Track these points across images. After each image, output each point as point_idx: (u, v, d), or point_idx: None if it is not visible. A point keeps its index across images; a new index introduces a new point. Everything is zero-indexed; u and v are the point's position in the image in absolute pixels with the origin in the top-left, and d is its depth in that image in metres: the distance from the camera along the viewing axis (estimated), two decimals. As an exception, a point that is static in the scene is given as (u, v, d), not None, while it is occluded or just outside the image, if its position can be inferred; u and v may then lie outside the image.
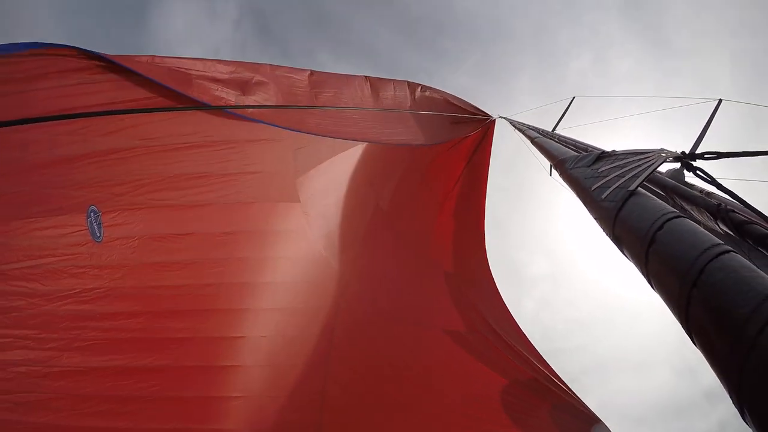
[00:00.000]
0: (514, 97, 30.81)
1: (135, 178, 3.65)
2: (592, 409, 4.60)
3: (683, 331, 1.62)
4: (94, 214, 3.47)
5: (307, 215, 4.72)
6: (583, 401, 4.85)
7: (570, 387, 4.96)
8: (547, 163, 5.67)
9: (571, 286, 29.97)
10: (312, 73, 4.66)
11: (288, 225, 4.63)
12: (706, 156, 2.64)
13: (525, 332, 5.55)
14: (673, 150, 2.92)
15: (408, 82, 5.65)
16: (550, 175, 5.75)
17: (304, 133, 4.38)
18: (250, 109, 4.01)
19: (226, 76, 3.99)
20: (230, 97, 4.00)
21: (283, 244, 4.63)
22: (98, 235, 3.49)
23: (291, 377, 4.57)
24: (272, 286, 4.53)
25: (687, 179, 3.84)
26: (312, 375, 4.63)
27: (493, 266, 6.40)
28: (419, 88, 5.70)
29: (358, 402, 4.71)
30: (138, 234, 3.71)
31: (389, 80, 5.43)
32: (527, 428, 4.64)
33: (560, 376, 5.09)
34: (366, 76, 5.20)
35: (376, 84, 5.20)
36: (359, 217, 5.28)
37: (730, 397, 1.26)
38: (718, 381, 1.36)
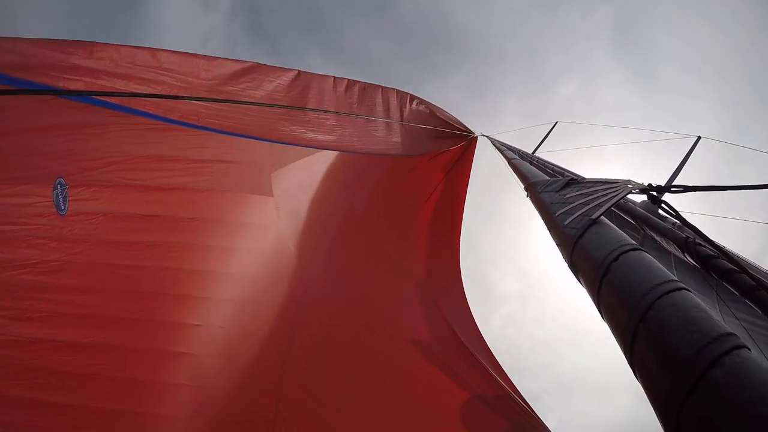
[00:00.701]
0: (498, 116, 31.26)
1: (106, 155, 3.55)
2: (552, 429, 4.53)
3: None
4: (61, 187, 3.39)
5: (279, 210, 4.61)
6: (543, 422, 4.78)
7: (531, 406, 4.89)
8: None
9: (539, 306, 30.32)
10: (299, 74, 4.58)
11: (258, 218, 4.52)
12: (672, 189, 2.60)
13: (491, 348, 5.48)
14: (641, 182, 2.88)
15: (397, 90, 5.59)
16: (527, 196, 5.73)
17: (277, 143, 4.29)
18: (220, 116, 3.88)
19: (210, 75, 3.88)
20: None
21: (252, 237, 4.51)
22: (63, 208, 3.41)
23: (246, 371, 4.42)
24: (235, 277, 4.41)
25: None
26: (268, 371, 4.48)
27: (464, 281, 6.35)
28: (407, 97, 5.64)
29: (314, 402, 4.57)
30: (102, 211, 3.62)
31: (378, 86, 5.36)
32: None
33: (522, 393, 5.03)
34: (354, 81, 5.13)
35: (363, 89, 5.14)
36: (332, 218, 5.18)
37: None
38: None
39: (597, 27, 31.03)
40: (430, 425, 4.60)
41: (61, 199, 3.34)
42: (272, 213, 4.50)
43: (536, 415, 4.79)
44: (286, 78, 4.17)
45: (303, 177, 4.82)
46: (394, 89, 5.61)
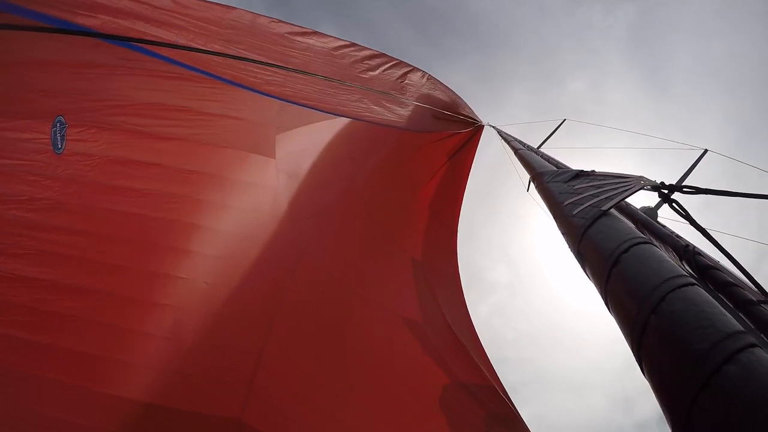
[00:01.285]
0: (506, 107, 31.07)
1: (111, 97, 3.46)
2: (526, 421, 4.54)
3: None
4: (60, 125, 3.33)
5: (280, 173, 4.53)
6: (520, 414, 4.79)
7: (511, 399, 4.90)
8: (525, 178, 5.60)
9: (527, 299, 30.44)
10: (314, 32, 4.48)
11: (258, 178, 4.43)
12: (684, 190, 2.57)
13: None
14: (654, 180, 2.85)
15: (414, 67, 5.49)
16: (527, 190, 5.69)
17: (283, 100, 4.21)
18: (233, 68, 3.79)
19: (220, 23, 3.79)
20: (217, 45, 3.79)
21: (249, 196, 4.43)
22: (59, 146, 3.36)
23: (228, 331, 4.36)
24: (227, 234, 4.33)
25: (660, 218, 3.79)
26: (251, 334, 4.42)
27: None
28: (425, 77, 5.54)
29: (294, 370, 4.53)
30: (100, 154, 3.55)
31: (398, 61, 5.26)
32: (458, 430, 4.56)
33: (503, 384, 5.04)
34: (377, 52, 5.02)
35: (382, 61, 5.04)
36: (332, 187, 5.10)
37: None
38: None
39: (616, 26, 30.71)
40: (407, 404, 4.59)
41: (59, 138, 3.27)
42: (272, 175, 4.43)
43: (515, 408, 4.81)
44: (307, 40, 4.10)
45: (308, 143, 4.73)
46: (411, 66, 5.51)
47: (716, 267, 2.83)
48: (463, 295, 5.81)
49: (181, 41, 3.18)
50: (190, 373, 4.21)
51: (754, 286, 2.28)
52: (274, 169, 4.41)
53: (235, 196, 4.30)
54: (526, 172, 4.93)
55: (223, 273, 4.30)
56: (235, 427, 4.18)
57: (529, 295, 30.16)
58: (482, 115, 6.55)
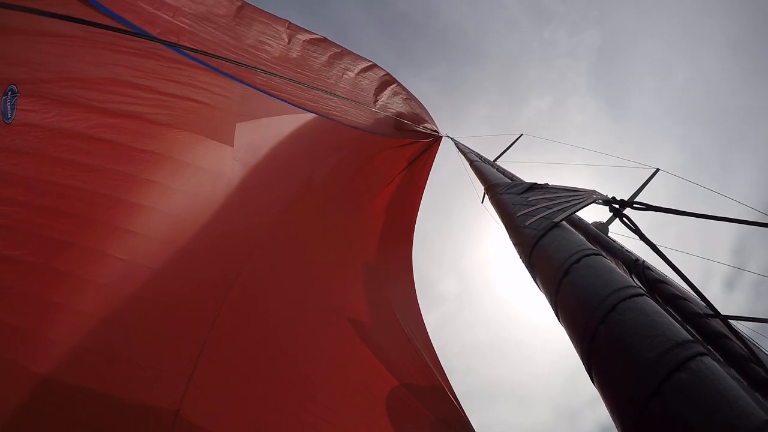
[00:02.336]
0: (467, 119, 31.61)
1: (66, 70, 3.28)
2: None
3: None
4: (12, 94, 3.13)
5: (236, 162, 4.37)
6: (469, 420, 4.76)
7: (460, 402, 4.87)
8: (480, 189, 5.65)
9: (475, 311, 30.75)
10: (289, 26, 4.39)
11: (213, 165, 4.26)
12: (635, 206, 2.61)
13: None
14: (606, 194, 2.89)
15: (386, 72, 5.45)
16: (482, 202, 5.74)
17: (252, 87, 4.10)
18: (202, 45, 3.69)
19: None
20: (185, 26, 3.68)
21: (202, 183, 4.24)
22: (9, 116, 3.16)
23: (171, 317, 4.13)
24: (175, 219, 4.12)
25: (610, 233, 3.88)
26: (196, 323, 4.20)
27: (408, 275, 6.28)
28: (394, 83, 5.52)
29: (239, 363, 4.30)
30: (50, 126, 3.36)
31: (366, 61, 5.21)
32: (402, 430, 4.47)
33: (453, 388, 5.00)
34: (345, 50, 4.97)
35: (348, 59, 4.99)
36: (289, 182, 4.95)
37: (623, 441, 1.12)
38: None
39: (582, 47, 31.87)
40: (353, 406, 4.49)
41: (9, 107, 3.07)
42: (228, 163, 4.27)
43: (463, 411, 4.77)
44: (276, 28, 4.03)
45: (269, 134, 4.58)
46: (385, 71, 5.49)
47: (664, 281, 2.89)
48: (416, 300, 5.78)
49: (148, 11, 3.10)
50: (127, 359, 3.96)
51: (701, 301, 2.32)
52: (230, 157, 4.26)
53: (187, 180, 4.11)
54: (481, 185, 4.98)
55: (168, 259, 4.09)
56: (173, 419, 3.97)
57: (477, 307, 30.58)
58: (443, 125, 6.62)
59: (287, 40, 4.30)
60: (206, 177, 4.26)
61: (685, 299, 2.70)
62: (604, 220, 4.12)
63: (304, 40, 4.49)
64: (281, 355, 4.48)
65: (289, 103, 4.28)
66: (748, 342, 1.60)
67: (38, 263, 3.64)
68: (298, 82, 4.17)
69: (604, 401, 1.25)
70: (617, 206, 2.67)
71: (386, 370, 4.63)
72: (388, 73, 5.51)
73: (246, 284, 4.45)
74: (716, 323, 1.65)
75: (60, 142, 3.42)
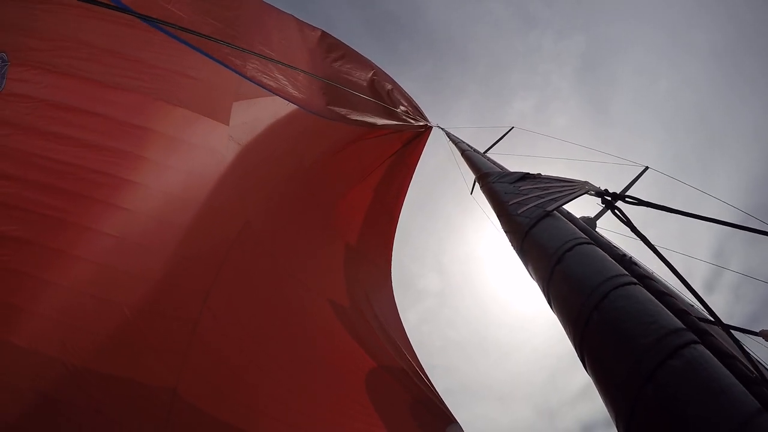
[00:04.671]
0: (453, 119, 31.58)
1: (60, 38, 3.18)
2: None
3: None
4: (2, 62, 3.07)
5: (231, 141, 4.30)
6: (443, 400, 4.80)
7: (433, 384, 4.90)
8: (470, 181, 5.64)
9: (456, 309, 30.79)
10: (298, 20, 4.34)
11: (208, 143, 4.16)
12: (627, 199, 2.62)
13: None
14: (598, 186, 2.90)
15: (376, 67, 5.44)
16: (471, 193, 5.73)
17: (242, 77, 4.03)
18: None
19: None
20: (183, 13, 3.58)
21: (194, 160, 4.15)
22: None
23: (163, 296, 4.06)
24: (166, 196, 4.03)
25: (598, 229, 3.90)
26: (188, 301, 4.14)
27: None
28: (385, 75, 5.50)
29: (229, 340, 4.28)
30: (42, 97, 3.27)
31: (357, 54, 5.19)
32: (384, 413, 4.49)
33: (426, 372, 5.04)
34: (338, 43, 4.95)
35: (337, 49, 4.96)
36: (280, 164, 4.90)
37: (616, 424, 1.12)
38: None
39: (566, 53, 31.96)
40: (333, 386, 4.50)
41: None
42: (222, 141, 4.19)
43: (438, 394, 4.80)
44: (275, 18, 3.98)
45: (264, 114, 4.48)
46: (368, 62, 5.45)
47: (651, 277, 2.91)
48: (391, 284, 5.80)
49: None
50: (120, 336, 3.89)
51: (695, 299, 2.34)
52: (225, 135, 4.18)
53: (180, 157, 4.02)
54: (471, 176, 4.96)
55: (160, 236, 4.01)
56: (170, 397, 3.92)
57: (459, 304, 30.66)
58: (430, 120, 6.59)
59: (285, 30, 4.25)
60: (201, 155, 4.18)
61: (671, 296, 2.72)
62: (592, 216, 4.15)
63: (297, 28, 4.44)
64: (266, 336, 4.47)
65: (277, 95, 4.25)
66: (737, 340, 1.62)
67: (25, 239, 3.54)
68: (292, 67, 4.11)
69: (597, 387, 1.25)
70: (609, 198, 2.68)
71: (363, 351, 4.66)
72: (378, 67, 5.49)
73: (235, 263, 4.41)
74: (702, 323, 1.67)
75: (52, 114, 3.32)
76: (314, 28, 4.74)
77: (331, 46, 4.93)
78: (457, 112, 32.25)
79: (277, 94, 4.30)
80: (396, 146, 5.89)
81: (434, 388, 4.74)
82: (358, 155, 5.59)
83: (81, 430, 3.68)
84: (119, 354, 3.84)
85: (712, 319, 1.59)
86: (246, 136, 4.38)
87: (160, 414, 3.87)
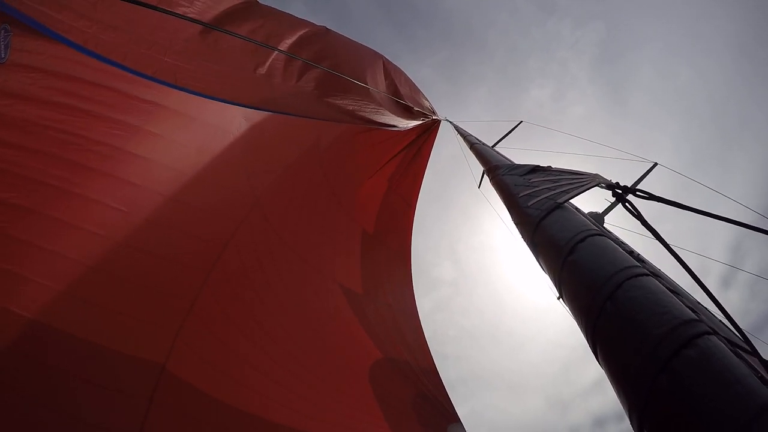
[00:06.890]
0: (467, 107, 31.40)
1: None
2: (462, 418, 4.54)
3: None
4: (5, 32, 3.00)
5: (244, 120, 4.28)
6: (450, 400, 4.78)
7: (443, 381, 4.88)
8: (478, 174, 5.62)
9: (470, 298, 30.67)
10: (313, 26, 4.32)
11: (220, 122, 4.15)
12: (638, 193, 2.61)
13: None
14: (609, 179, 2.88)
15: (384, 59, 5.39)
16: (479, 186, 5.71)
17: (248, 107, 4.00)
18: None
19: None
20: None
21: (205, 138, 4.10)
22: (2, 56, 3.03)
23: (164, 270, 4.04)
24: (175, 173, 4.00)
25: (605, 224, 3.88)
26: (189, 277, 4.11)
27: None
28: (394, 70, 5.45)
29: (228, 320, 4.26)
30: (46, 68, 3.22)
31: (369, 50, 5.14)
32: (384, 404, 4.48)
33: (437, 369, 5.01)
34: (348, 40, 4.91)
35: (352, 48, 4.93)
36: (294, 146, 4.86)
37: (629, 415, 1.12)
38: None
39: (585, 40, 31.57)
40: (335, 372, 4.48)
41: (2, 46, 2.95)
42: (235, 121, 4.16)
43: (445, 392, 4.79)
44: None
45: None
46: (380, 57, 5.41)
47: (659, 275, 2.89)
48: (410, 276, 5.77)
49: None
50: (115, 308, 3.87)
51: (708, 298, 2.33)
52: (240, 116, 4.16)
53: (191, 134, 3.99)
54: (479, 170, 4.94)
55: (165, 211, 3.99)
56: (158, 373, 3.91)
57: (472, 293, 30.59)
58: (442, 111, 6.57)
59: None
60: (214, 134, 4.15)
61: (679, 294, 2.71)
62: (600, 211, 4.12)
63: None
64: (268, 318, 4.44)
65: (283, 112, 4.23)
66: (749, 341, 1.61)
67: (26, 207, 3.50)
68: (303, 59, 4.08)
69: (609, 377, 1.25)
70: (620, 191, 2.66)
71: (370, 340, 4.64)
72: (385, 58, 5.45)
73: (241, 243, 4.38)
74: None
75: (57, 85, 3.27)
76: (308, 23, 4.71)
77: (341, 45, 4.89)
78: (474, 99, 32.03)
79: (285, 113, 4.27)
80: (409, 138, 5.87)
81: (442, 385, 4.72)
82: (372, 144, 5.57)
83: (74, 396, 3.65)
84: (113, 325, 3.81)
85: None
86: (260, 116, 4.35)
87: (145, 390, 3.86)
